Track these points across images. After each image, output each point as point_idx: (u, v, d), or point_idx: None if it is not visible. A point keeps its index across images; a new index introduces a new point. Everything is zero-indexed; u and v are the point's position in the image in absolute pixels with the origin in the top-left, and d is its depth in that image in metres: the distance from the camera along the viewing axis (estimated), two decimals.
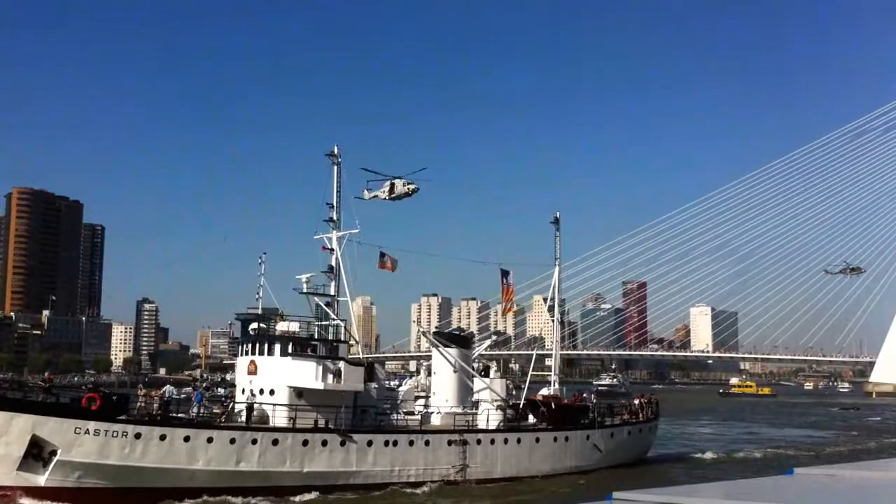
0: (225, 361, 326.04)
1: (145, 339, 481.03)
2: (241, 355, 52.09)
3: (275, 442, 44.98)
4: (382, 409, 52.90)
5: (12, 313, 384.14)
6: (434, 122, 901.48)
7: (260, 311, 56.63)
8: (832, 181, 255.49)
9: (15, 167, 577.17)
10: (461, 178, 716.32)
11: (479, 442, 51.51)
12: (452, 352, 57.28)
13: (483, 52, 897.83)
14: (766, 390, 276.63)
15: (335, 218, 55.70)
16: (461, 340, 60.80)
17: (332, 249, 55.20)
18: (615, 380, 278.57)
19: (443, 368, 57.08)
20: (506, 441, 53.06)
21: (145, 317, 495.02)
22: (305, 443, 45.72)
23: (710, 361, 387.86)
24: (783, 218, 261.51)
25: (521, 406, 58.28)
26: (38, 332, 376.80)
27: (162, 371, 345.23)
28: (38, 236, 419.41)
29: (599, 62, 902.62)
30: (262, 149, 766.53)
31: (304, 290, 53.96)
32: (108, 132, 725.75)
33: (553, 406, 57.84)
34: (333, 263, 55.16)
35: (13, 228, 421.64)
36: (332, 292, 55.09)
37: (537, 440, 54.70)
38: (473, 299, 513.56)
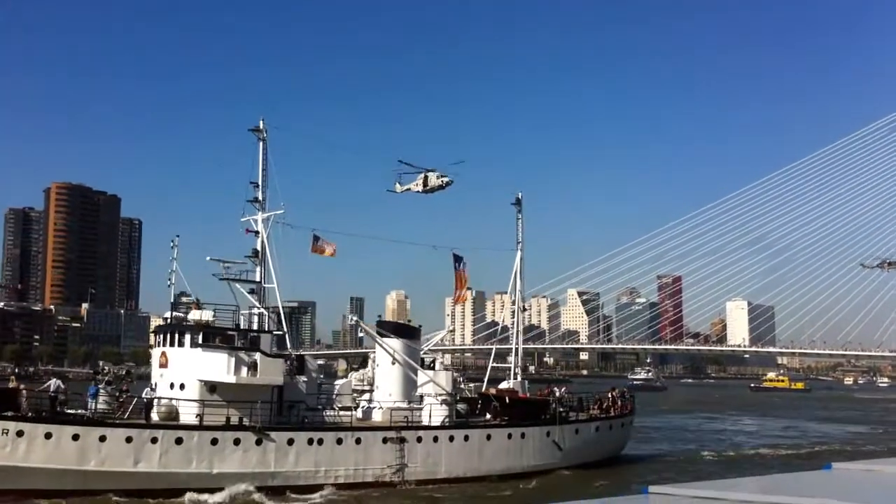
0: None
1: None
2: (155, 346, 48.31)
3: (178, 440, 41.22)
4: (314, 404, 48.57)
5: (52, 306, 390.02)
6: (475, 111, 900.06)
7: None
8: (869, 174, 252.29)
9: (54, 162, 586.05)
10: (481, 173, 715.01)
11: (419, 440, 47.18)
12: (396, 343, 52.46)
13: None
14: (800, 385, 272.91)
15: (261, 198, 51.50)
16: (407, 331, 56.14)
17: (256, 232, 51.32)
18: (650, 374, 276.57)
19: (386, 361, 52.72)
20: (451, 439, 48.51)
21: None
22: (215, 441, 41.86)
23: (747, 356, 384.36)
24: (820, 211, 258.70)
25: (478, 401, 54.44)
26: (78, 325, 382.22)
27: None
28: (76, 230, 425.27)
29: (639, 58, 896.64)
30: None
31: (224, 276, 49.84)
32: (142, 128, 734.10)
33: (507, 400, 53.86)
34: (259, 247, 51.24)
35: (52, 223, 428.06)
36: (258, 278, 51.08)
37: (488, 437, 50.22)
38: (507, 293, 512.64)
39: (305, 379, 48.57)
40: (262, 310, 50.32)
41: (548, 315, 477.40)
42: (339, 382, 55.32)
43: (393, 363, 52.17)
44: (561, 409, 55.50)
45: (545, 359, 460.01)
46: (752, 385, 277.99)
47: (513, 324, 66.08)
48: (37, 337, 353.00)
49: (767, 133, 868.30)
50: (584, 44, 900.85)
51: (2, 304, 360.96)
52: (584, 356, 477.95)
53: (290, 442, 43.69)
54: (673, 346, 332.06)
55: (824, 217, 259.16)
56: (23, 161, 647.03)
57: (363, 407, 51.73)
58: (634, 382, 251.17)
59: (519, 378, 62.10)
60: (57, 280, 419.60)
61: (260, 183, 51.61)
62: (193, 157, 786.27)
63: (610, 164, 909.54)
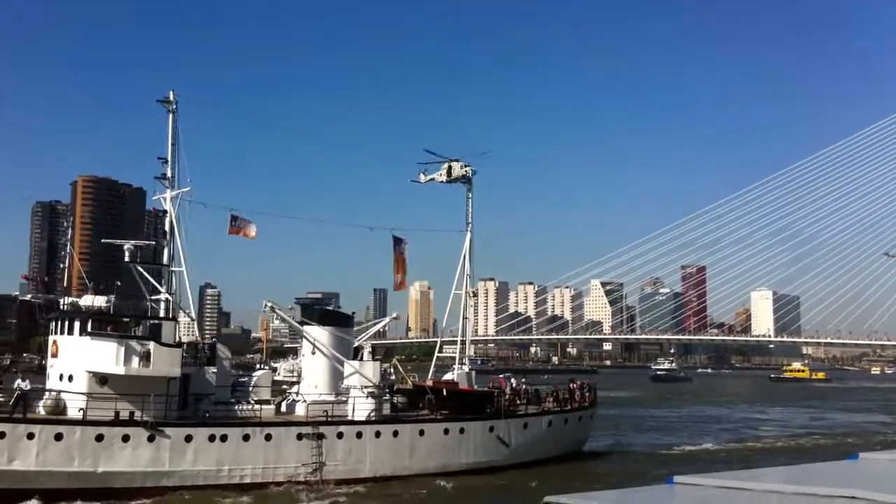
0: (286, 345, 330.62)
1: (208, 323, 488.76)
2: (50, 334, 44.86)
3: (58, 437, 37.97)
4: (226, 397, 44.97)
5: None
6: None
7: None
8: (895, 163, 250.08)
9: (80, 155, 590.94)
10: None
11: (340, 435, 43.46)
12: (322, 332, 48.96)
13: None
14: (821, 375, 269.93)
15: (169, 175, 47.91)
16: (336, 318, 51.93)
17: (164, 211, 48.08)
18: (673, 364, 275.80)
19: (310, 350, 49.41)
20: (377, 434, 44.62)
21: (208, 301, 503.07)
22: (100, 438, 38.53)
23: (772, 346, 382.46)
24: (846, 201, 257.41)
25: (419, 394, 50.77)
26: None
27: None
28: (102, 223, 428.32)
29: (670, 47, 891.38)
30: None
31: (127, 259, 46.44)
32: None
33: (444, 393, 49.59)
34: (167, 227, 47.72)
35: (79, 215, 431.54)
36: (165, 261, 47.55)
37: (421, 433, 46.25)
38: (531, 283, 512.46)
39: (215, 370, 45.06)
40: (167, 295, 47.26)
41: (571, 305, 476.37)
42: (257, 374, 50.46)
43: (314, 353, 49.10)
44: (519, 402, 52.77)
45: (568, 349, 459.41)
46: (772, 375, 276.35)
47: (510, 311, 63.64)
48: None
49: (790, 123, 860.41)
50: (599, 38, 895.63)
51: (29, 296, 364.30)
52: (607, 347, 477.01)
53: (189, 438, 40.26)
54: (697, 337, 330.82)
55: (850, 206, 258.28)
56: (49, 155, 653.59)
57: (288, 400, 48.74)
58: (658, 373, 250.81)
59: (466, 368, 57.68)
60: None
61: (169, 158, 47.88)
62: (213, 150, 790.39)
63: (631, 155, 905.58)
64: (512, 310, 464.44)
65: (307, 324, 50.64)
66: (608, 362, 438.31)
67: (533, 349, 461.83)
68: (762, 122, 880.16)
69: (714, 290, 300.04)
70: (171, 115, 48.14)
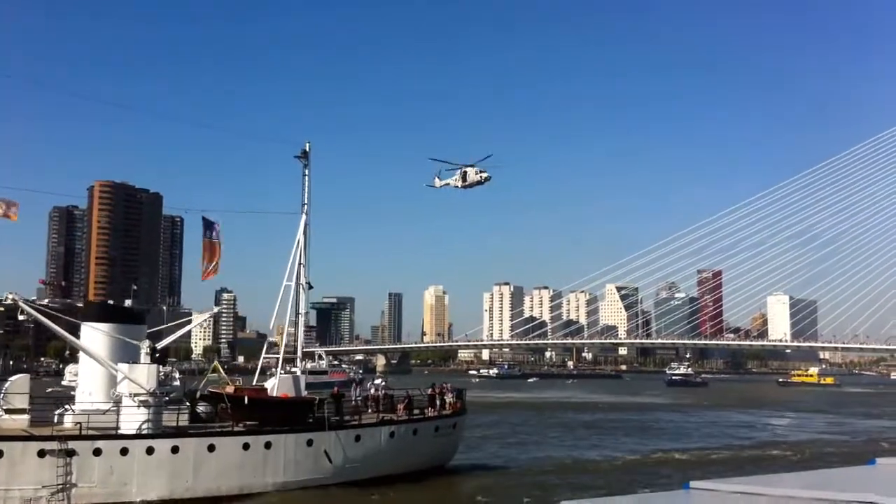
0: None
1: (224, 328, 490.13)
2: None
3: None
4: None
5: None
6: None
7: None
8: None
9: (97, 160, 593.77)
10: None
11: (97, 452, 36.89)
12: (97, 330, 42.00)
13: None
14: (829, 380, 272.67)
15: None
16: (120, 315, 44.63)
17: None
18: (689, 369, 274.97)
19: (84, 353, 42.87)
20: (149, 450, 37.84)
21: (224, 306, 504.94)
22: None
23: (788, 351, 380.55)
24: (864, 204, 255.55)
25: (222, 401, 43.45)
26: None
27: (240, 359, 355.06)
28: (119, 228, 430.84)
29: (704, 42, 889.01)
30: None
31: None
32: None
33: (247, 400, 42.38)
34: None
35: (95, 220, 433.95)
36: None
37: (211, 448, 39.41)
38: (546, 288, 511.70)
39: None
40: None
41: (586, 310, 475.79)
42: (13, 378, 43.62)
43: (69, 353, 43.20)
44: (371, 410, 47.05)
45: (583, 354, 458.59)
46: (780, 380, 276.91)
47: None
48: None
49: (810, 125, 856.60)
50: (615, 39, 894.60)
51: (46, 301, 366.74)
52: (622, 351, 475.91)
53: None
54: (713, 342, 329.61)
55: (867, 210, 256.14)
56: (66, 160, 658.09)
57: (61, 410, 41.90)
58: (673, 377, 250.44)
59: (298, 372, 50.88)
60: (100, 277, 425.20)
61: None
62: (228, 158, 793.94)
63: (648, 160, 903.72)
64: (527, 314, 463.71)
65: (78, 321, 44.03)
66: (623, 367, 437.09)
67: (548, 354, 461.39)
68: (783, 124, 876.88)
69: (730, 295, 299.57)
70: None
